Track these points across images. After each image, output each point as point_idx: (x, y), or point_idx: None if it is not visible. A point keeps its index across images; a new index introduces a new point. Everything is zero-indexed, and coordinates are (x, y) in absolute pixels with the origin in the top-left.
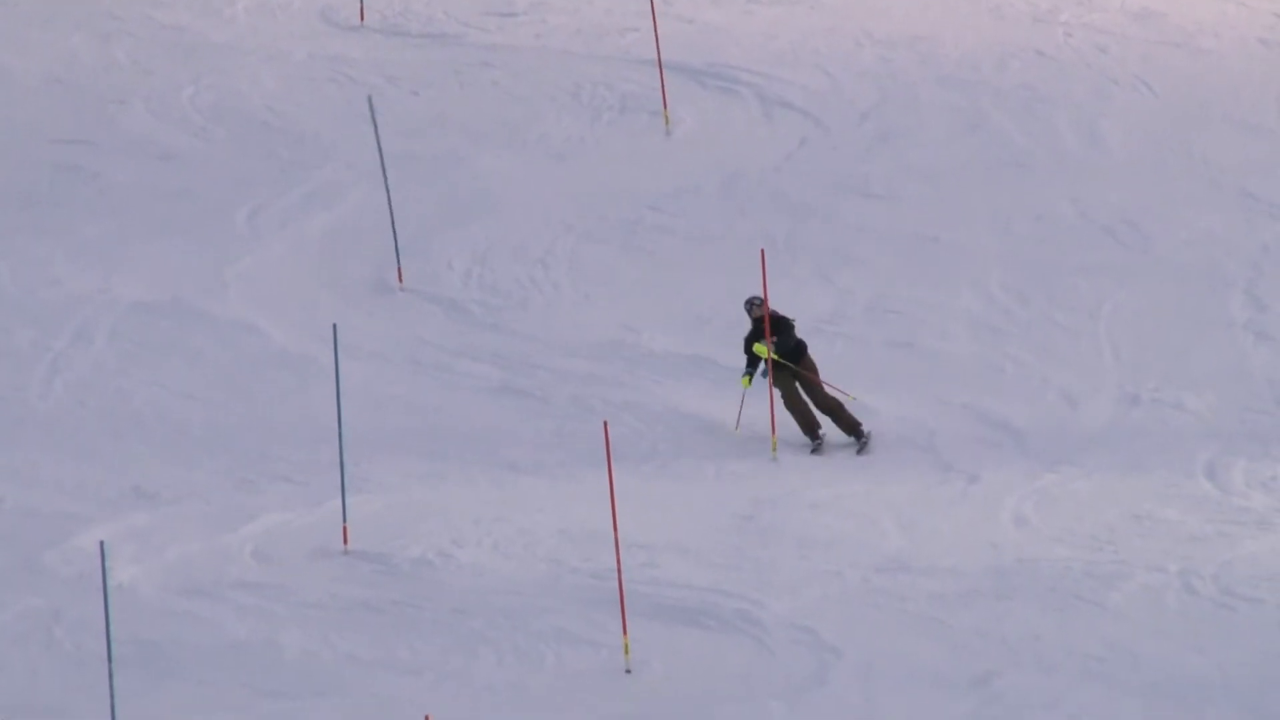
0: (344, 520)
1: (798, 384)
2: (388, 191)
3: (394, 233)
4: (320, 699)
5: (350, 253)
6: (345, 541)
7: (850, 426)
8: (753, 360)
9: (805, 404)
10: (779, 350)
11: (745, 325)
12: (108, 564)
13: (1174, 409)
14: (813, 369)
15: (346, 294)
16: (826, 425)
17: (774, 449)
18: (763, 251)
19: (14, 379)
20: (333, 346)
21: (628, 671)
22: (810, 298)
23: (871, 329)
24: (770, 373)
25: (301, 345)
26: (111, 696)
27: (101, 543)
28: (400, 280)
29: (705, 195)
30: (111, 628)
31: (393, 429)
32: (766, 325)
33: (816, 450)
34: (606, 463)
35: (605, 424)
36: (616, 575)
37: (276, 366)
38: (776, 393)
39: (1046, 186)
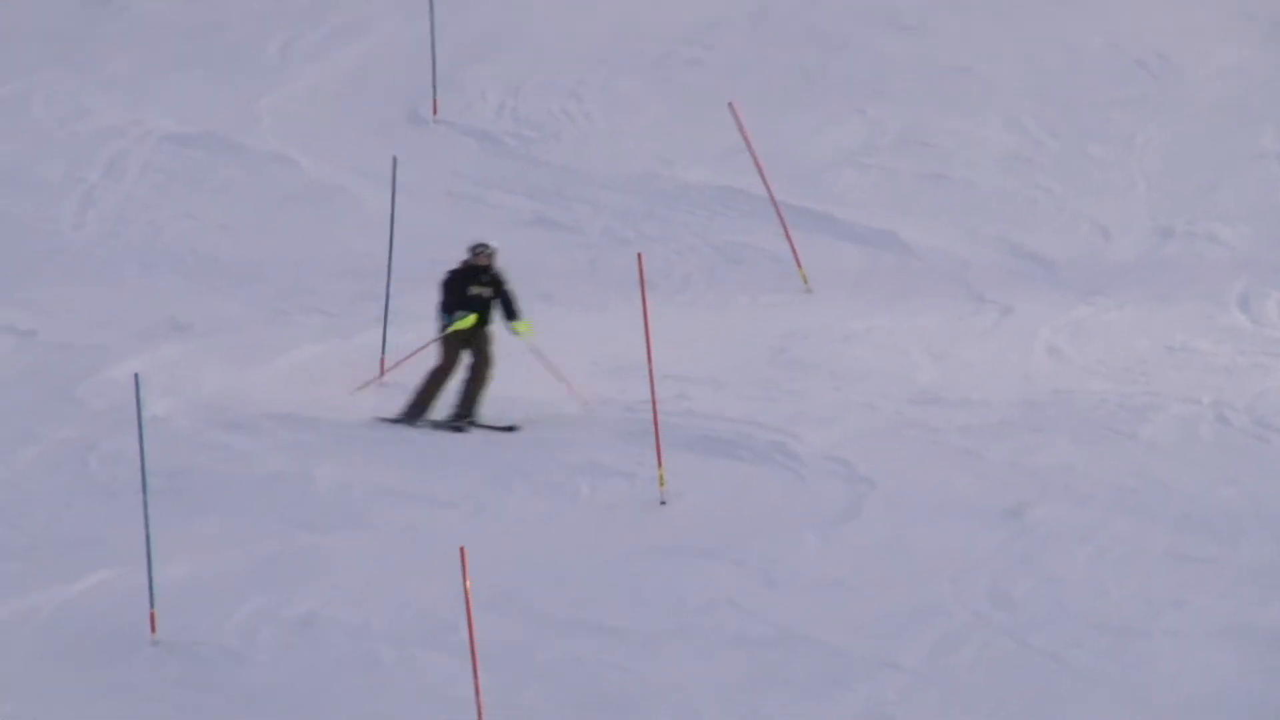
0: (383, 352)
1: (465, 347)
2: (431, 22)
3: (433, 64)
4: (354, 531)
5: (383, 85)
6: (382, 373)
7: (471, 404)
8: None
9: (442, 385)
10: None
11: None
12: (141, 396)
13: (1207, 241)
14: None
15: (379, 126)
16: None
17: (805, 279)
18: (732, 105)
19: (46, 212)
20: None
21: (662, 503)
22: (841, 129)
23: (902, 160)
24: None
25: (333, 177)
26: (146, 528)
27: (135, 375)
28: (435, 112)
29: (737, 28)
30: (145, 460)
31: (426, 261)
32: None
33: (400, 422)
34: (640, 294)
35: (640, 256)
36: (651, 407)
37: (308, 199)
38: (434, 351)
39: (1077, 18)
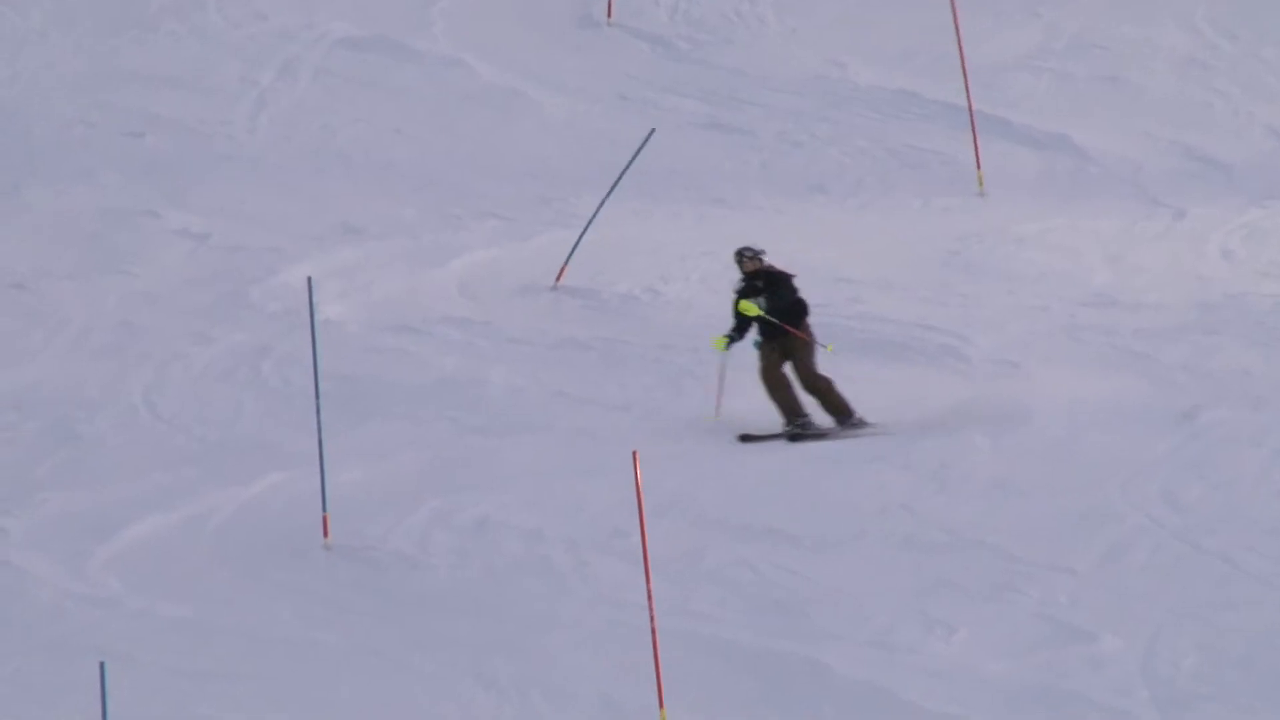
0: (567, 260)
1: (783, 355)
2: None
3: None
4: (526, 434)
5: None
6: (559, 278)
7: (838, 409)
8: (741, 322)
9: (786, 381)
10: (770, 309)
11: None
12: (314, 300)
13: None
14: (808, 337)
15: (553, 29)
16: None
17: (980, 182)
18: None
19: (220, 114)
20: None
21: None
22: (1016, 33)
23: (1076, 64)
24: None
25: (507, 81)
26: (319, 433)
27: (308, 279)
28: (609, 15)
29: None
30: (318, 364)
31: (598, 165)
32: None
33: (795, 438)
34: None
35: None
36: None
37: (482, 102)
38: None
39: None
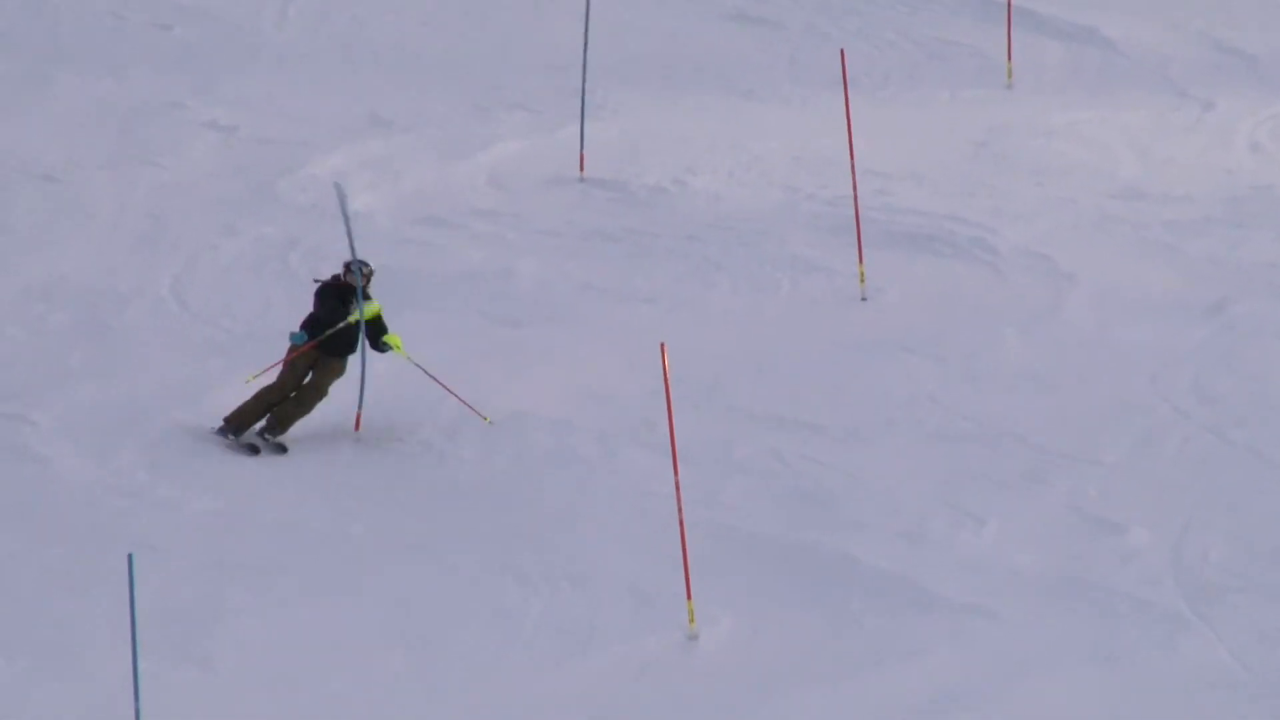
0: (581, 148)
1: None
2: None
3: None
4: (555, 325)
5: None
6: (582, 169)
7: (282, 422)
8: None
9: (274, 398)
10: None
11: None
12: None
13: None
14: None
15: None
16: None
17: (1010, 74)
18: None
19: (248, 7)
20: None
21: (863, 299)
22: None
23: None
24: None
25: None
26: (356, 323)
27: (337, 185)
28: None
29: None
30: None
31: (628, 56)
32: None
33: (234, 443)
34: (842, 89)
35: (841, 52)
36: (852, 202)
37: None
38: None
39: None
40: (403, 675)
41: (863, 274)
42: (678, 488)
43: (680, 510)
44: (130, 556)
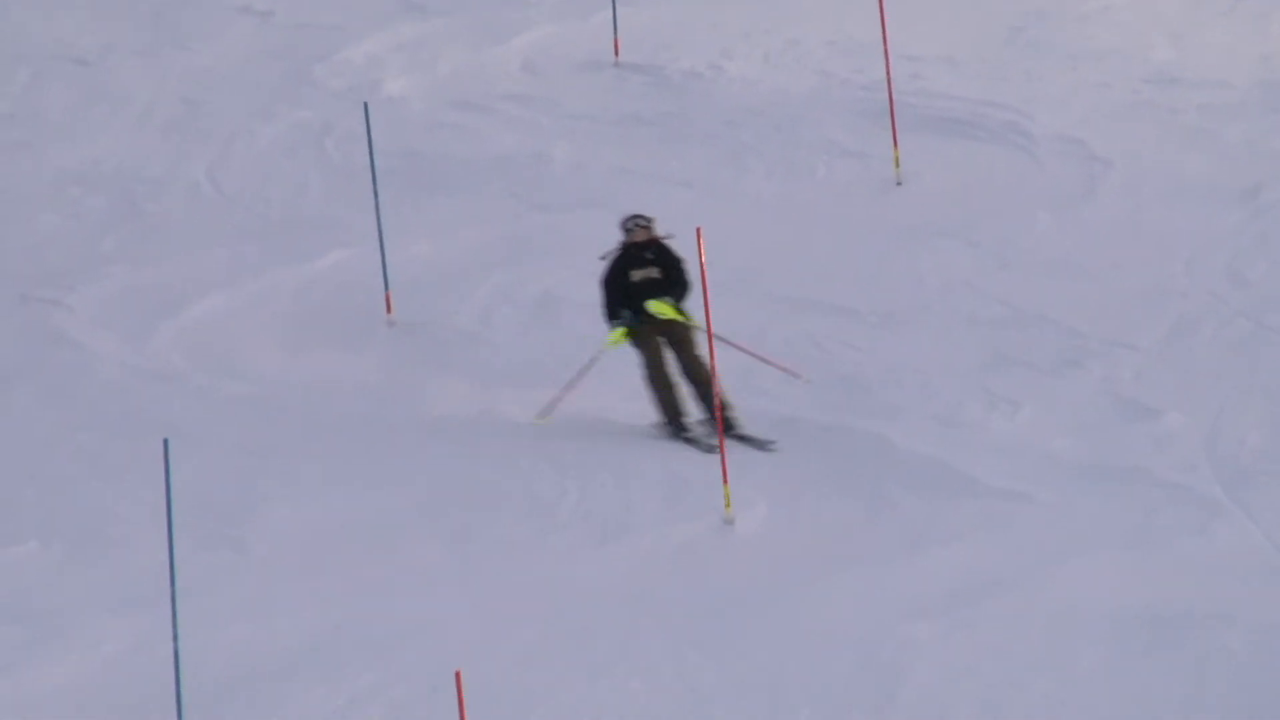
0: (615, 32)
1: (668, 345)
2: None
3: None
4: (589, 210)
5: None
6: (616, 54)
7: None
8: (633, 310)
9: (673, 381)
10: (669, 293)
11: None
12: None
13: None
14: (697, 323)
15: None
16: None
17: None
18: None
19: None
20: None
21: (898, 184)
22: None
23: None
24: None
25: None
26: (376, 211)
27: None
28: None
29: None
30: (378, 142)
31: None
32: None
33: (676, 436)
34: None
35: None
36: (886, 87)
37: None
38: (636, 356)
39: None
40: (437, 560)
41: (897, 159)
42: (714, 370)
43: (717, 393)
44: (166, 441)
